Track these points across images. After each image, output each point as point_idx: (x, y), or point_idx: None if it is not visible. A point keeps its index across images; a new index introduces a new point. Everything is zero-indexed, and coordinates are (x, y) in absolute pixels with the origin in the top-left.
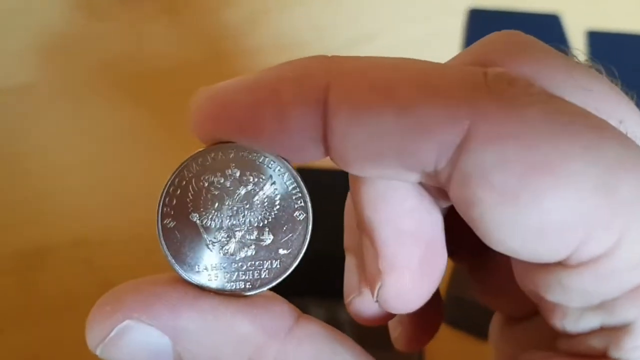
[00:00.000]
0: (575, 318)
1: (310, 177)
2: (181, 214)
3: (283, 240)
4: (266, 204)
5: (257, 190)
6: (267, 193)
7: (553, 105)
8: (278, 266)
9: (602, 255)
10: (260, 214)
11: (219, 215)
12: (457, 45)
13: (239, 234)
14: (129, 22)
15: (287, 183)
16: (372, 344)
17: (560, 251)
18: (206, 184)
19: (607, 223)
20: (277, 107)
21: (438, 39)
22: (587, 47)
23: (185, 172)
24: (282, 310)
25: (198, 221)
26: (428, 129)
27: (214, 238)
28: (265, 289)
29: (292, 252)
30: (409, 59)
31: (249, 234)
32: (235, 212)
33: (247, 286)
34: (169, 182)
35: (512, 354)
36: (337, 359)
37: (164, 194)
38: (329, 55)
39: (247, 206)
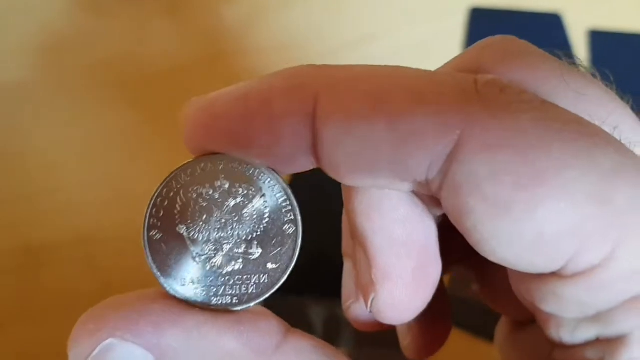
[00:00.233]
0: (570, 329)
1: (309, 176)
2: (168, 226)
3: (272, 254)
4: (255, 216)
5: (247, 202)
6: (257, 206)
7: (546, 112)
8: (266, 281)
9: (597, 265)
10: (249, 227)
11: (206, 227)
12: (458, 44)
13: (226, 247)
14: (129, 20)
15: (277, 196)
16: (371, 342)
17: (554, 261)
18: (194, 196)
19: (602, 234)
20: (267, 118)
21: (440, 38)
22: (588, 46)
23: (174, 183)
24: (270, 327)
25: (185, 233)
26: (418, 139)
27: (201, 251)
28: (252, 304)
29: (280, 267)
30: (399, 67)
31: (237, 247)
32: (223, 224)
33: (234, 301)
34: (157, 193)
35: (518, 359)
36: None
37: (151, 205)
38: (319, 63)
39: (236, 219)
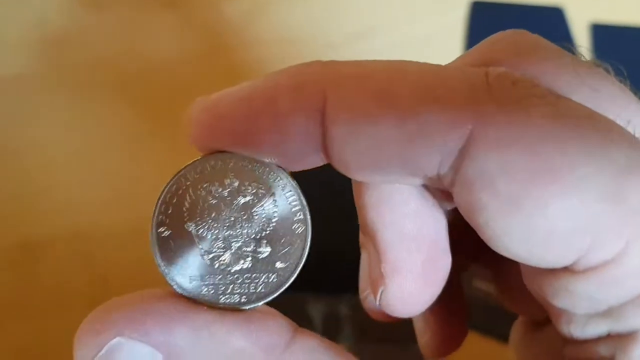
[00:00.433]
0: (582, 324)
1: (319, 173)
2: (177, 223)
3: (281, 253)
4: (264, 215)
5: (256, 201)
6: (266, 205)
7: (559, 107)
8: (275, 280)
9: (609, 261)
10: (258, 226)
11: (215, 225)
12: (459, 39)
13: (235, 246)
14: (128, 15)
15: (287, 194)
16: (372, 338)
17: (566, 257)
18: (204, 193)
19: (614, 231)
20: (274, 116)
21: (441, 32)
22: (591, 40)
23: (183, 180)
24: (279, 325)
25: (194, 230)
26: (429, 135)
27: (210, 249)
28: (261, 303)
29: (289, 266)
30: (407, 61)
31: (246, 246)
32: (232, 222)
33: (243, 300)
34: (166, 190)
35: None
36: None
37: (159, 202)
38: (320, 57)
39: (245, 217)
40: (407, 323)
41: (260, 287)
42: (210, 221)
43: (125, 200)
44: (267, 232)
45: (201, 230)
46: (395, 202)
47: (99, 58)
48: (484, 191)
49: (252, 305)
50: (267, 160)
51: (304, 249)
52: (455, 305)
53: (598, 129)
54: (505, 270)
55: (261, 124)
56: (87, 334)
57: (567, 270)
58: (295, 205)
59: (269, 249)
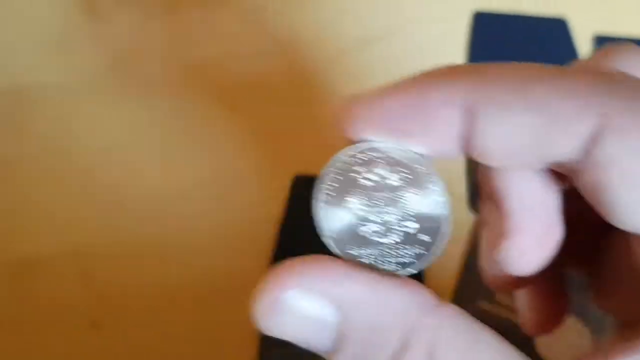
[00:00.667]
0: None
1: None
2: (335, 199)
3: (425, 228)
4: (411, 198)
5: (404, 186)
6: (412, 188)
7: None
8: (423, 252)
9: None
10: (407, 206)
11: (369, 203)
12: (462, 47)
13: (388, 222)
14: (128, 22)
15: (431, 181)
16: None
17: None
18: (358, 177)
19: None
20: (425, 110)
21: (446, 40)
22: (594, 52)
23: (338, 164)
24: (428, 291)
25: (354, 206)
26: (564, 123)
27: (365, 223)
28: (413, 271)
29: (435, 241)
30: (530, 63)
31: (397, 222)
32: (385, 202)
33: (397, 268)
34: (326, 170)
35: None
36: (482, 339)
37: (321, 180)
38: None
39: (395, 198)
40: None
41: (410, 259)
42: (366, 200)
43: (125, 218)
44: (415, 212)
45: (359, 207)
46: (521, 177)
47: (103, 65)
48: (614, 171)
49: (404, 272)
50: (413, 149)
51: (447, 228)
52: (555, 287)
53: None
54: (604, 265)
55: (413, 116)
56: (264, 290)
57: None
58: (436, 190)
59: (417, 226)
